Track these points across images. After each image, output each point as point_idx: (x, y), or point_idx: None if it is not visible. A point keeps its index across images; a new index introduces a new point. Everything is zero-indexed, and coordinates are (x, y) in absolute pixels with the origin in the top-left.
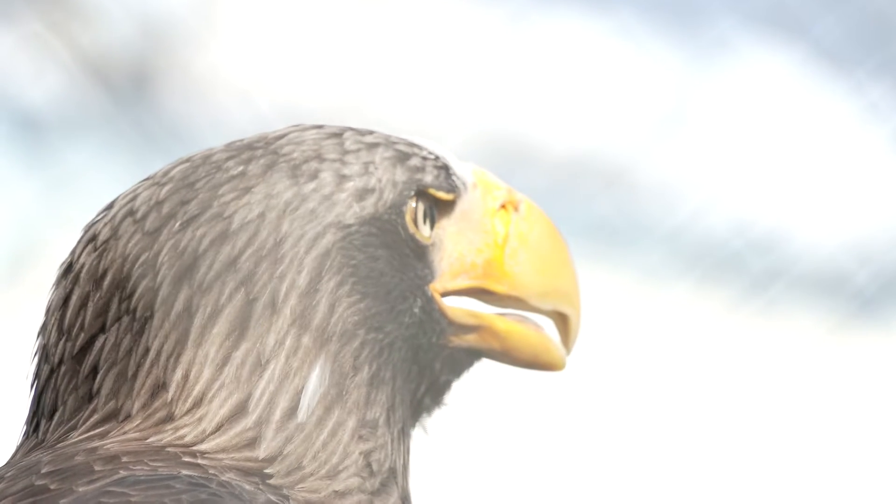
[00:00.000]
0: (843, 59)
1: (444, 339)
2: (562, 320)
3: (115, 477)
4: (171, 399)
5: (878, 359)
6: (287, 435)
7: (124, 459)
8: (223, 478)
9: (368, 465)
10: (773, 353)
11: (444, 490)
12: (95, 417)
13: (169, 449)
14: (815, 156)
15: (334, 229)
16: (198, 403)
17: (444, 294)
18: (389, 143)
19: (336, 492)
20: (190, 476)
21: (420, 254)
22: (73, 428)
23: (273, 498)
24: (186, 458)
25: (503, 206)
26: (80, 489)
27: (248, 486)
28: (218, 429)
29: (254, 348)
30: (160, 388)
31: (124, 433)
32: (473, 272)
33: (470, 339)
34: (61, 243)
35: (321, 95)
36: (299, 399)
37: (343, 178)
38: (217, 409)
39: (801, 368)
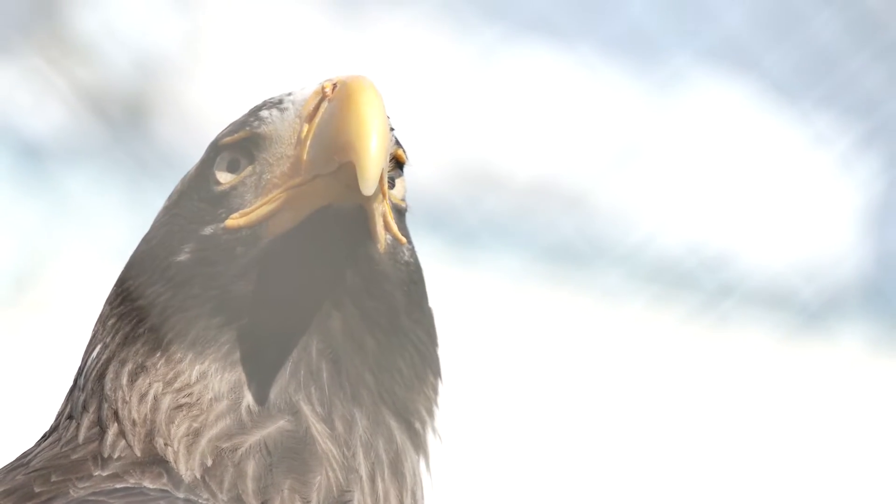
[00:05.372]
0: (790, 90)
1: (254, 244)
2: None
3: (69, 497)
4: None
5: (821, 368)
6: (84, 403)
7: (54, 479)
8: (143, 481)
9: (180, 407)
10: (724, 364)
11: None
12: (49, 435)
13: (74, 457)
14: (764, 181)
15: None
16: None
17: (250, 214)
18: None
19: (193, 441)
20: (161, 489)
21: (217, 201)
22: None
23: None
24: (95, 471)
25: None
26: None
27: (180, 495)
28: (87, 437)
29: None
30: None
31: (48, 449)
32: (281, 182)
33: (289, 216)
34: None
35: None
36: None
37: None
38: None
39: (751, 378)
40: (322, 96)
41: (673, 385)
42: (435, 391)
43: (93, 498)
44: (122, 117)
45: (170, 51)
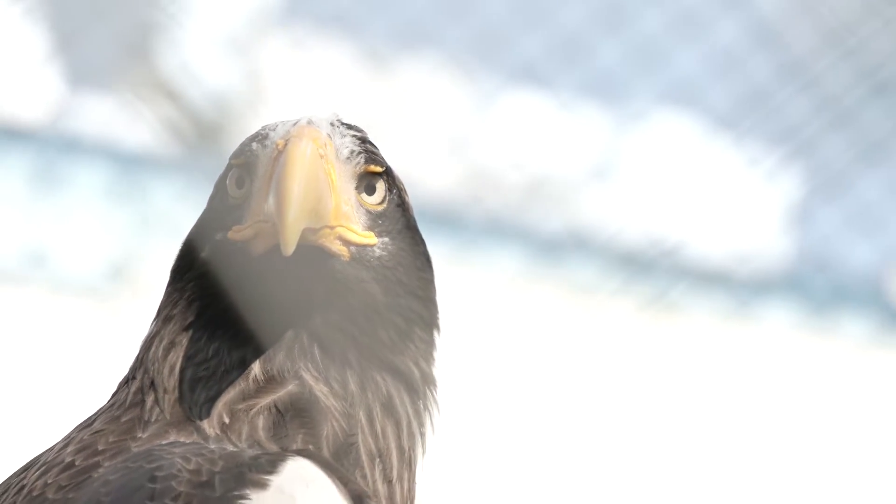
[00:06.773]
0: (727, 121)
1: (248, 256)
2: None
3: (131, 452)
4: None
5: (751, 344)
6: (134, 372)
7: (111, 439)
8: (180, 438)
9: (200, 378)
10: (675, 342)
11: None
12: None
13: (123, 419)
14: (708, 189)
15: None
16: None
17: (240, 232)
18: None
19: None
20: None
21: (230, 208)
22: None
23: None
24: (139, 433)
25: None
26: (106, 463)
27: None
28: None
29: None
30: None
31: (106, 411)
32: (257, 212)
33: (260, 245)
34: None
35: None
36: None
37: None
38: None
39: (696, 353)
40: (277, 151)
41: (632, 359)
42: (424, 341)
43: (157, 449)
44: (199, 141)
45: (236, 87)
